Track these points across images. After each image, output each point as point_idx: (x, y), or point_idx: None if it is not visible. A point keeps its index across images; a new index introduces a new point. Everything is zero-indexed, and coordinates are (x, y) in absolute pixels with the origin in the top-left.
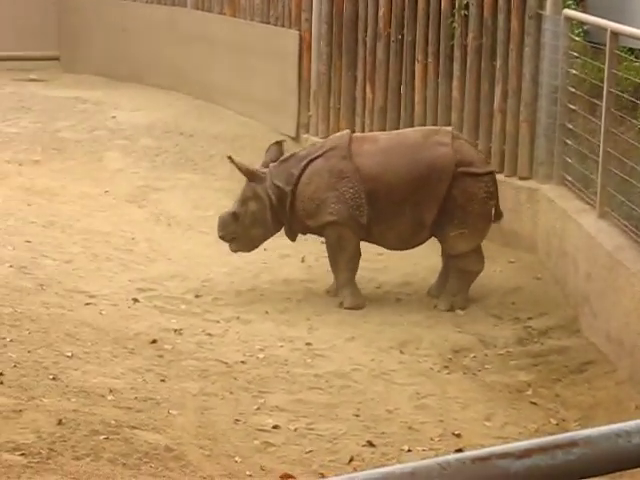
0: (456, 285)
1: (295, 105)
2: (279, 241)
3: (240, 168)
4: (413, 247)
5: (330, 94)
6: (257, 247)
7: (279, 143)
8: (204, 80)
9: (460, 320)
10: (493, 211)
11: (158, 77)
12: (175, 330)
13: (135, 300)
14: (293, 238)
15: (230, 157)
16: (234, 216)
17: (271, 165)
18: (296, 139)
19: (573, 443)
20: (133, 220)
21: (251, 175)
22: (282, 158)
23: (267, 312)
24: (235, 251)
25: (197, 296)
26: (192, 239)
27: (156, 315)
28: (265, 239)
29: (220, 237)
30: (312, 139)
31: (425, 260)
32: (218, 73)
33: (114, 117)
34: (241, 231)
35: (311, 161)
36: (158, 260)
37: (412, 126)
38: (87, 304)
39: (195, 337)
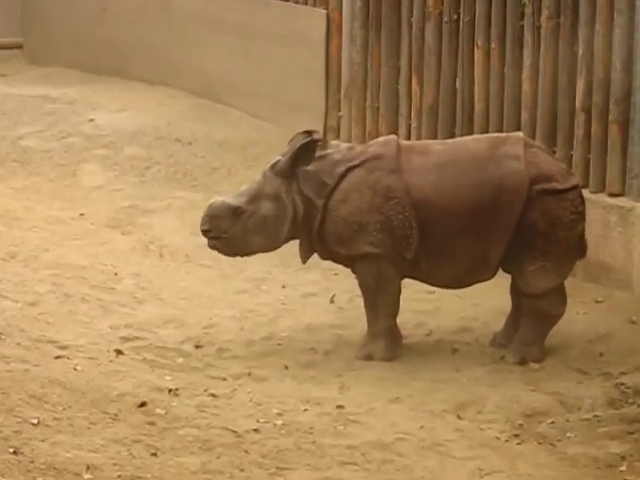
0: (530, 332)
1: (322, 103)
2: (302, 276)
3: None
4: (471, 286)
5: (366, 89)
6: (244, 256)
7: (309, 133)
8: (205, 73)
9: (534, 376)
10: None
11: (147, 70)
12: (170, 390)
13: (118, 352)
14: (306, 259)
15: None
16: (235, 211)
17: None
18: (322, 147)
19: None
20: (116, 250)
21: (293, 162)
22: (315, 157)
23: (287, 367)
24: (213, 249)
25: (197, 346)
26: (190, 274)
27: (145, 371)
28: (261, 251)
29: (203, 231)
30: (344, 145)
31: (488, 299)
32: (223, 64)
33: (92, 120)
34: (236, 232)
35: (349, 169)
36: (147, 301)
37: (471, 129)
38: (57, 357)
39: (195, 399)
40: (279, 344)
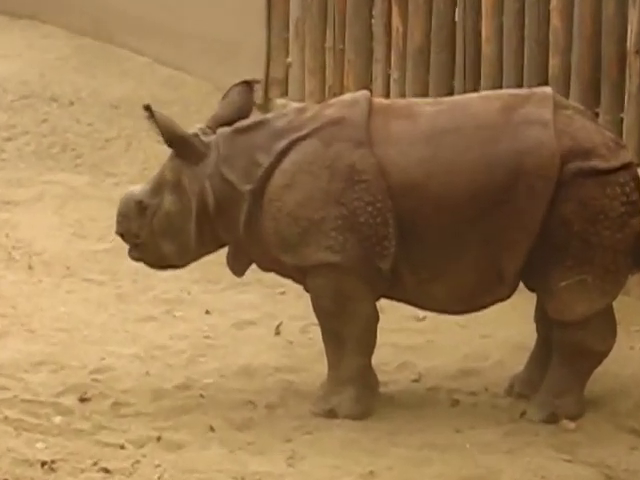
0: (564, 376)
1: (262, 46)
2: (233, 296)
3: (161, 125)
4: (479, 309)
5: (325, 25)
6: (170, 268)
7: (248, 84)
8: (95, 2)
9: (569, 439)
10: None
11: None
12: (43, 463)
13: None
14: (239, 272)
15: (148, 107)
16: (139, 206)
17: (220, 132)
18: (263, 106)
19: None
20: None
21: (179, 143)
22: (241, 125)
23: (212, 428)
24: (136, 260)
25: (83, 399)
26: (73, 294)
27: (7, 435)
28: (178, 264)
29: (118, 233)
30: (293, 106)
31: (503, 328)
32: None
33: None
34: (146, 236)
35: (295, 142)
36: (10, 334)
37: (477, 83)
38: None
39: (80, 476)
40: (201, 395)
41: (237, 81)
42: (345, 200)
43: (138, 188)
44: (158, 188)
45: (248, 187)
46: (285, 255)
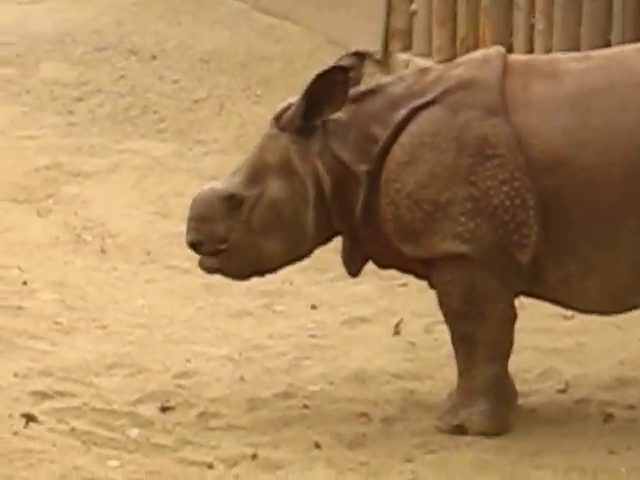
0: None
1: None
2: (345, 288)
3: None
4: (635, 309)
5: None
6: (257, 275)
7: (360, 55)
8: None
9: None
10: None
11: None
12: None
13: (29, 418)
14: (355, 270)
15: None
16: (231, 202)
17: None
18: (383, 62)
19: None
20: (25, 242)
21: (308, 107)
22: (351, 93)
23: (318, 445)
24: (212, 272)
25: (165, 408)
26: (154, 284)
27: (75, 451)
28: (284, 262)
29: (190, 243)
30: (417, 62)
31: None
32: None
33: None
34: (240, 238)
35: (415, 111)
36: (79, 331)
37: (637, 36)
38: None
39: None
40: (305, 406)
41: (351, 32)
42: (475, 178)
43: (218, 183)
44: (256, 176)
45: (364, 167)
46: (406, 245)
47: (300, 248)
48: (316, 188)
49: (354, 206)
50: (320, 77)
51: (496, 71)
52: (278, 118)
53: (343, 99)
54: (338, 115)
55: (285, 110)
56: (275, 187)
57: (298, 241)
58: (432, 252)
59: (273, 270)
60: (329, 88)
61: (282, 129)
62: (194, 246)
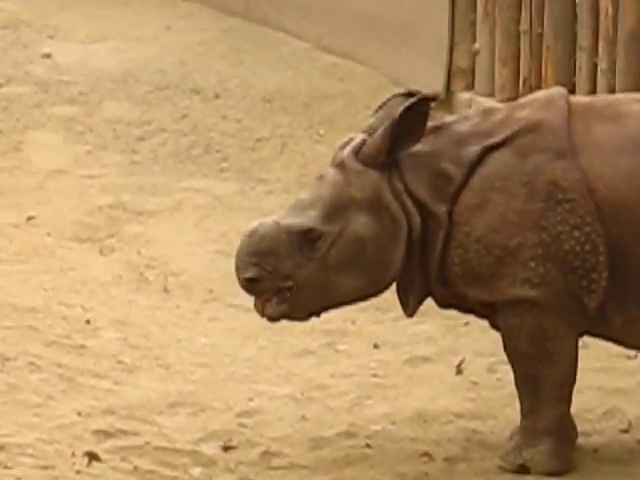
0: None
1: (444, 28)
2: (407, 328)
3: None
4: None
5: (520, 4)
6: (327, 311)
7: (412, 95)
8: None
9: None
10: None
11: None
12: None
13: (92, 456)
14: (412, 310)
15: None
16: (306, 237)
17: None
18: (446, 101)
19: None
20: (88, 281)
21: (393, 140)
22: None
23: None
24: (275, 319)
25: (228, 447)
26: (217, 323)
27: None
28: (357, 300)
29: (246, 281)
30: (480, 101)
31: None
32: None
33: (48, 56)
34: (311, 276)
35: (487, 151)
36: (142, 369)
37: None
38: None
39: None
40: (367, 445)
41: (414, 72)
42: (547, 223)
43: (285, 216)
44: (336, 211)
45: (444, 207)
46: (473, 289)
47: (378, 286)
48: (407, 226)
49: (433, 246)
50: (407, 110)
51: (562, 113)
52: (357, 153)
53: (423, 132)
54: (411, 152)
55: (361, 145)
56: (361, 223)
57: (379, 279)
58: (500, 297)
59: (338, 307)
60: (413, 121)
61: (366, 164)
62: (249, 283)
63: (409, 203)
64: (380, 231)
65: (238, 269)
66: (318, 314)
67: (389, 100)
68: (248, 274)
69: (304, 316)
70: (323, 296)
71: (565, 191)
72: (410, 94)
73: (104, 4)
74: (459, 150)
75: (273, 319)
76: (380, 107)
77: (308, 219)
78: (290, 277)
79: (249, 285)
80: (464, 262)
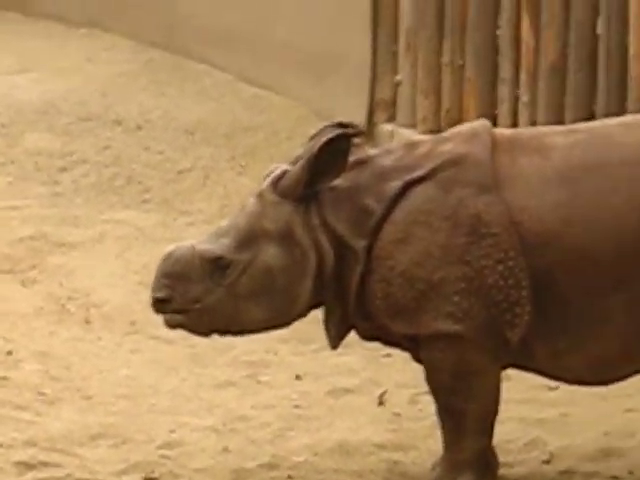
0: None
1: (366, 61)
2: (329, 359)
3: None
4: (621, 380)
5: (442, 37)
6: (230, 335)
7: (344, 126)
8: (167, 9)
9: None
10: None
11: (65, 1)
12: None
13: None
14: (335, 342)
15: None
16: (214, 264)
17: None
18: (368, 133)
19: None
20: (9, 312)
21: (312, 174)
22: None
23: None
24: (175, 327)
25: (149, 479)
26: (139, 354)
27: None
28: (259, 330)
29: (157, 300)
30: (402, 133)
31: None
32: None
33: None
34: (218, 301)
35: (409, 185)
36: (63, 401)
37: (622, 110)
38: None
39: None
40: (289, 477)
41: (335, 103)
42: (470, 258)
43: (201, 243)
44: (248, 241)
45: (363, 242)
46: (396, 323)
47: (285, 317)
48: (317, 261)
49: (350, 281)
50: (326, 145)
51: (486, 147)
52: (275, 183)
53: (343, 167)
54: (333, 185)
55: (281, 176)
56: (271, 254)
57: (286, 310)
58: (423, 330)
59: (242, 334)
60: (333, 156)
61: (283, 195)
62: (161, 303)
63: (323, 238)
64: (289, 264)
65: (152, 289)
66: (221, 335)
67: (321, 131)
68: (160, 294)
69: (205, 335)
70: (229, 322)
71: (488, 225)
72: (342, 125)
73: (26, 36)
74: (381, 185)
75: (171, 326)
76: (312, 137)
77: (220, 246)
78: (198, 301)
79: (159, 305)
80: (387, 296)
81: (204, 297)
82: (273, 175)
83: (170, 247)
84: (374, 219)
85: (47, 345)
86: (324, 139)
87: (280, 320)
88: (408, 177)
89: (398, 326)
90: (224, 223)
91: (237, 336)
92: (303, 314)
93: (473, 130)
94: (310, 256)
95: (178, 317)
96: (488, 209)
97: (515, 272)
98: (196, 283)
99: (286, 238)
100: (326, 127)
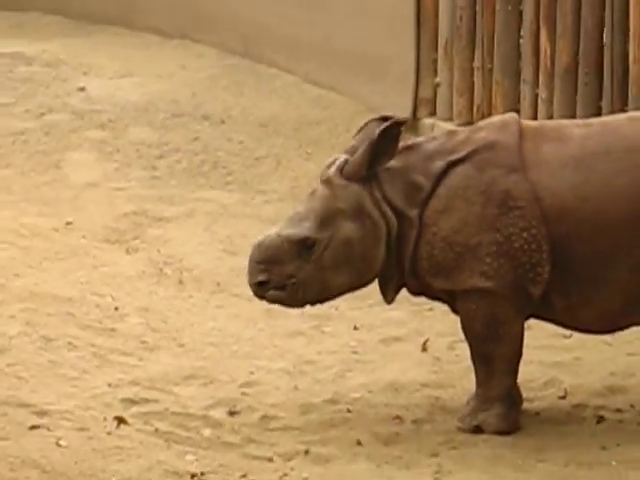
0: None
1: (411, 64)
2: (381, 313)
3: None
4: (625, 329)
5: (474, 46)
6: (322, 303)
7: (387, 119)
8: (245, 22)
9: None
10: None
11: (162, 17)
12: (193, 475)
13: (120, 420)
14: (391, 298)
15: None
16: (302, 245)
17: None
18: (412, 126)
19: None
20: (116, 276)
21: (372, 158)
22: (399, 149)
23: (359, 442)
24: (276, 302)
25: (232, 413)
26: (223, 309)
27: (158, 448)
28: (345, 293)
29: (257, 284)
30: (441, 126)
31: None
32: (270, 10)
33: (82, 89)
34: (308, 274)
35: (451, 165)
36: (161, 348)
37: (623, 105)
38: (33, 427)
39: None
40: (348, 410)
41: (386, 101)
42: (500, 226)
43: (284, 229)
44: (326, 220)
45: (415, 212)
46: (437, 280)
47: (364, 279)
48: (387, 228)
49: (407, 245)
50: (382, 132)
51: (514, 135)
52: (341, 170)
53: (396, 150)
54: (387, 167)
55: (344, 164)
56: (348, 228)
57: (365, 274)
58: (460, 286)
59: (331, 299)
60: (388, 141)
61: (348, 179)
62: (260, 285)
63: (387, 209)
64: (364, 234)
65: (250, 275)
66: (312, 304)
67: (366, 124)
68: (260, 278)
69: (301, 306)
70: (319, 291)
71: (516, 200)
72: (384, 118)
73: (129, 46)
74: (428, 165)
75: (270, 302)
76: (359, 130)
77: (304, 229)
78: (293, 277)
79: (258, 288)
80: (431, 257)
81: (297, 273)
82: (338, 163)
83: (259, 238)
84: (424, 192)
85: (147, 302)
86: (381, 128)
87: (361, 282)
88: (450, 158)
89: (439, 282)
90: (299, 209)
91: (325, 302)
92: (378, 275)
93: (504, 121)
94: (380, 225)
95: (278, 293)
96: (516, 186)
97: (537, 238)
98: (288, 263)
99: (358, 213)
100: (371, 120)
